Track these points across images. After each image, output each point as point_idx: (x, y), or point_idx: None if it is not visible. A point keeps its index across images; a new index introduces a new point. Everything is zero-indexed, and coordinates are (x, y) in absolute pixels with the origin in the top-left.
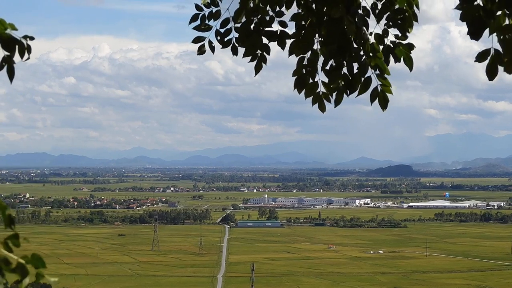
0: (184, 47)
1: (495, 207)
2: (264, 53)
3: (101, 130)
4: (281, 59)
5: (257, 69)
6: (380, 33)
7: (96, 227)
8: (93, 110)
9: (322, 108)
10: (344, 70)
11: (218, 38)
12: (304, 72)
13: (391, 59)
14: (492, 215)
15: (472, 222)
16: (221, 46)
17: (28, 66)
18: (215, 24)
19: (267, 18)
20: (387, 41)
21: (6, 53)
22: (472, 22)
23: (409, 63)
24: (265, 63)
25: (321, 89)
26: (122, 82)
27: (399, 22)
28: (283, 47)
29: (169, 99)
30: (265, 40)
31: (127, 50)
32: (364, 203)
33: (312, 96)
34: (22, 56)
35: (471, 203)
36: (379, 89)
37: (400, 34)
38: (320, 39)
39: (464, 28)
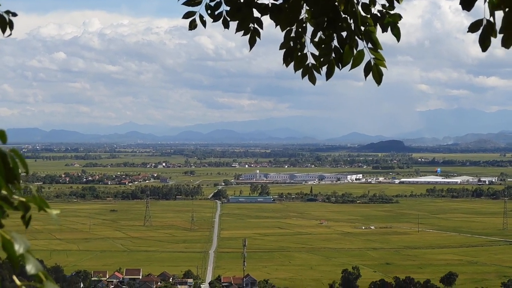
0: (175, 23)
1: (487, 182)
2: (257, 26)
3: (92, 106)
4: (270, 34)
5: (251, 42)
6: (367, 2)
7: (88, 202)
8: (84, 85)
9: (313, 80)
10: (335, 42)
11: (209, 12)
12: (291, 44)
13: (378, 29)
14: (484, 191)
15: (463, 197)
16: (212, 20)
17: (18, 42)
18: None
19: None
20: (374, 10)
21: None
22: None
23: (396, 32)
24: (259, 37)
25: (311, 60)
26: (113, 57)
27: None
28: (275, 21)
29: (160, 74)
30: (257, 14)
31: (118, 25)
32: (356, 179)
33: (301, 69)
34: (3, 31)
35: (462, 179)
36: (372, 63)
37: (387, 4)
38: (307, 9)
39: (454, 3)
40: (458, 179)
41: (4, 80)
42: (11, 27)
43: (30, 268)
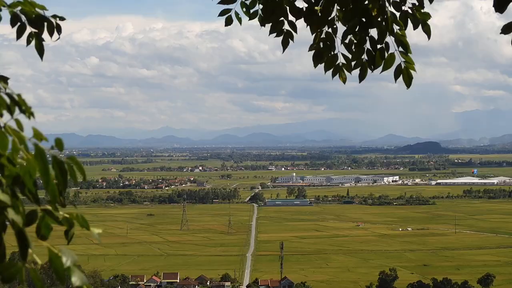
0: (207, 26)
1: None
2: (291, 29)
3: (128, 110)
4: (304, 36)
5: (284, 45)
6: (398, 0)
7: (125, 207)
8: (119, 90)
9: (343, 79)
10: (367, 45)
11: (244, 9)
12: (321, 46)
13: (410, 30)
14: None
15: (500, 198)
16: (248, 19)
17: (51, 47)
18: None
19: None
20: (405, 7)
21: (34, 30)
22: None
23: (427, 29)
24: (292, 40)
25: (341, 60)
26: (145, 61)
27: None
28: (307, 23)
29: (194, 78)
30: (291, 17)
31: (150, 29)
32: (393, 181)
33: (332, 69)
34: (51, 35)
35: (499, 180)
36: (402, 66)
37: (417, 3)
38: (337, 9)
39: (486, 4)
40: (495, 180)
41: (39, 86)
42: (59, 31)
43: (76, 280)
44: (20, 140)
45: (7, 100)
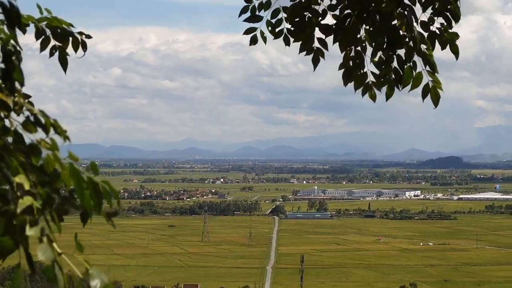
0: (230, 38)
1: None
2: (321, 46)
3: (151, 121)
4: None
5: (315, 62)
6: (426, 20)
7: (146, 218)
8: (142, 101)
9: (373, 98)
10: (394, 63)
11: (269, 28)
12: (351, 64)
13: (437, 46)
14: None
15: None
16: (273, 38)
17: (74, 58)
18: (266, 14)
19: (320, 11)
20: (433, 28)
21: (58, 43)
22: None
23: (455, 49)
24: (323, 57)
25: (371, 78)
26: (168, 73)
27: (445, 12)
28: (336, 40)
29: (216, 90)
30: (319, 34)
31: (173, 41)
32: (414, 195)
33: (361, 87)
34: (76, 50)
35: None
36: (430, 85)
37: (445, 23)
38: (365, 28)
39: (510, 18)
40: None
41: (62, 96)
42: (84, 48)
43: None
44: (55, 156)
45: (42, 120)
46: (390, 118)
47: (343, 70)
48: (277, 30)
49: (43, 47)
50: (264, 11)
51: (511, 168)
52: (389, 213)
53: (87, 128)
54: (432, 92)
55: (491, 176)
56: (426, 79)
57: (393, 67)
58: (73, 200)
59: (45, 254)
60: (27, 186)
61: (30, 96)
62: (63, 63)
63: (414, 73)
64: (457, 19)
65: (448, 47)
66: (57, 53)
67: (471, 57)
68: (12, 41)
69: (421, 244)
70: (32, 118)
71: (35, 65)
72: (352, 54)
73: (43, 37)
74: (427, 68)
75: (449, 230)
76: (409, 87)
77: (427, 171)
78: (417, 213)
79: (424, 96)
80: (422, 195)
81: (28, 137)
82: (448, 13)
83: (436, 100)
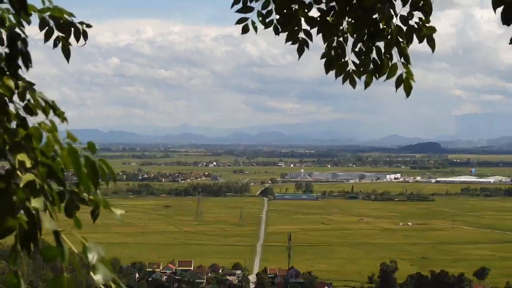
0: (222, 31)
1: None
2: (306, 37)
3: (147, 108)
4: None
5: (300, 52)
6: (405, 14)
7: (144, 198)
8: (139, 89)
9: (353, 84)
10: (373, 54)
11: (260, 18)
12: (333, 54)
13: (415, 40)
14: None
15: (496, 196)
16: (263, 27)
17: (75, 48)
18: (257, 5)
19: (307, 2)
20: (411, 22)
21: (61, 34)
22: (506, 8)
23: (432, 43)
24: (308, 47)
25: (351, 67)
26: (163, 63)
27: (421, 6)
28: (320, 32)
29: (209, 79)
30: (305, 26)
31: (168, 33)
32: (395, 178)
33: (342, 75)
34: (77, 40)
35: (496, 179)
36: (403, 76)
37: (423, 18)
38: (348, 21)
39: (487, 13)
40: (491, 179)
41: (63, 84)
42: (85, 37)
43: (98, 279)
44: (54, 137)
45: (42, 103)
46: (373, 107)
47: (325, 59)
48: (267, 20)
49: (47, 38)
50: (256, 2)
51: (486, 153)
52: (371, 194)
53: (86, 115)
54: (405, 83)
55: (467, 160)
56: (400, 70)
57: (371, 57)
58: (82, 195)
59: (50, 223)
60: (28, 164)
61: (34, 84)
62: (67, 53)
63: (390, 64)
64: (428, 14)
65: (425, 40)
66: (60, 44)
67: (449, 50)
68: (17, 29)
69: (401, 224)
70: (32, 101)
71: (38, 55)
72: (334, 44)
73: (46, 28)
74: (402, 60)
75: (427, 211)
76: (385, 76)
77: (407, 156)
78: (397, 195)
79: (397, 86)
80: (402, 178)
81: (30, 120)
82: (423, 8)
83: (408, 90)
